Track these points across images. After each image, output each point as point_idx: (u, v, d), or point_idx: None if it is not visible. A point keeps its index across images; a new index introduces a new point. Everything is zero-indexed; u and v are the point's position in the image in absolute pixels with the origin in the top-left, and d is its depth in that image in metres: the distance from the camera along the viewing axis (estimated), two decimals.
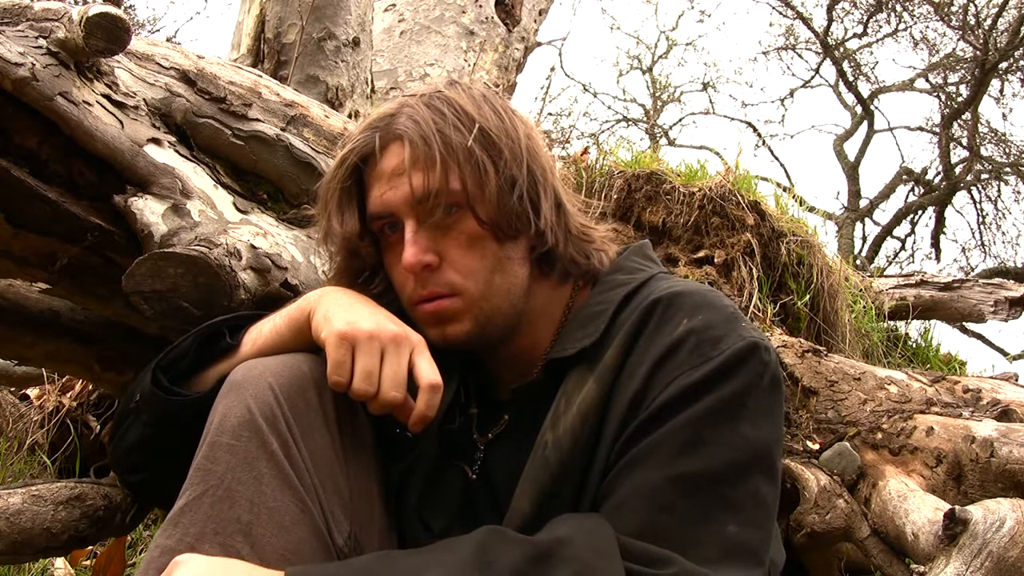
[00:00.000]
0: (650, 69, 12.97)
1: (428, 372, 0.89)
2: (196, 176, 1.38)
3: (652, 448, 0.83)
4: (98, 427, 2.33)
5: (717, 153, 11.14)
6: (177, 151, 1.39)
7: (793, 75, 13.77)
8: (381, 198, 0.95)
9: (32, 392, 2.44)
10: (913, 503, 1.52)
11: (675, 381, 0.84)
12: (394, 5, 4.38)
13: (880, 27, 10.64)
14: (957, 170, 10.22)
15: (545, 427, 0.91)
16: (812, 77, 11.82)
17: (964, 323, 6.32)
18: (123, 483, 1.18)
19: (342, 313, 0.92)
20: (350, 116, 2.72)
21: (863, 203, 10.96)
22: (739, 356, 0.84)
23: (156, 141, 1.34)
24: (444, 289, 0.94)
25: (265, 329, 1.00)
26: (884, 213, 11.18)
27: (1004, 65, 9.41)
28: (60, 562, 1.81)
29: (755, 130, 12.36)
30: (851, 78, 10.74)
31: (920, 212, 10.70)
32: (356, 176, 0.98)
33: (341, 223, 0.99)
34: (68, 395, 2.38)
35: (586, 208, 1.08)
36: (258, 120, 1.54)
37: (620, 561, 0.76)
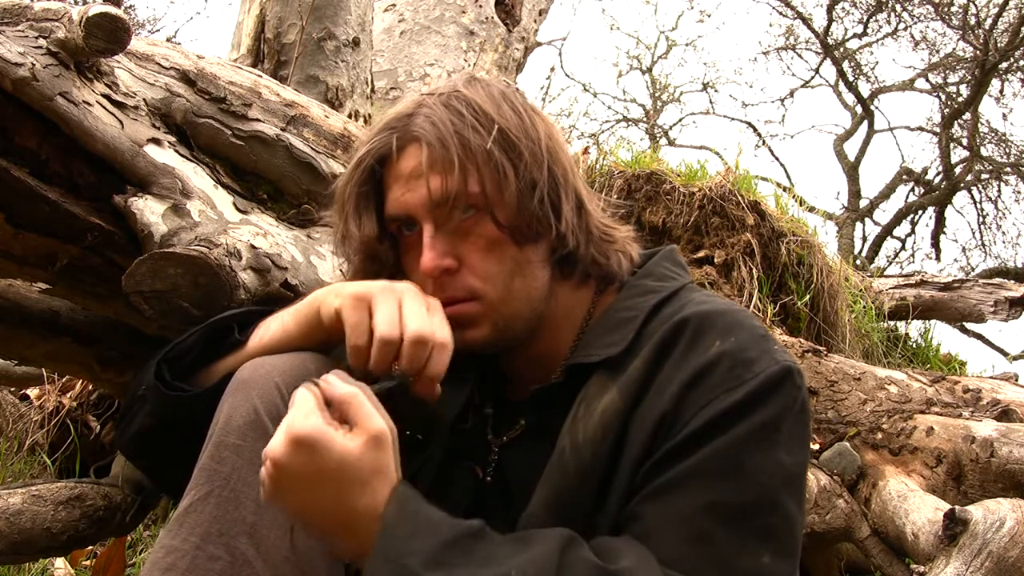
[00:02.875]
0: (650, 69, 12.98)
1: (439, 328, 0.87)
2: (196, 176, 1.38)
3: (686, 474, 0.80)
4: (98, 427, 2.33)
5: (717, 153, 11.15)
6: (177, 151, 1.39)
7: (793, 75, 13.81)
8: (398, 200, 0.94)
9: (32, 392, 2.44)
10: (913, 503, 1.52)
11: (709, 404, 0.82)
12: (394, 5, 4.38)
13: (880, 27, 10.65)
14: (957, 170, 10.23)
15: (564, 432, 0.90)
16: (812, 77, 11.84)
17: (964, 323, 6.32)
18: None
19: (353, 286, 0.91)
20: (350, 116, 2.72)
21: (863, 203, 10.96)
22: (774, 380, 0.83)
23: (156, 141, 1.34)
24: (463, 293, 0.92)
25: (273, 326, 0.99)
26: (884, 213, 11.20)
27: (1004, 65, 9.41)
28: (60, 562, 1.81)
29: (755, 130, 12.37)
30: (851, 78, 10.75)
31: (920, 212, 10.71)
32: (373, 178, 0.97)
33: (359, 227, 0.97)
34: (68, 395, 2.38)
35: (606, 208, 1.06)
36: (258, 120, 1.54)
37: None
